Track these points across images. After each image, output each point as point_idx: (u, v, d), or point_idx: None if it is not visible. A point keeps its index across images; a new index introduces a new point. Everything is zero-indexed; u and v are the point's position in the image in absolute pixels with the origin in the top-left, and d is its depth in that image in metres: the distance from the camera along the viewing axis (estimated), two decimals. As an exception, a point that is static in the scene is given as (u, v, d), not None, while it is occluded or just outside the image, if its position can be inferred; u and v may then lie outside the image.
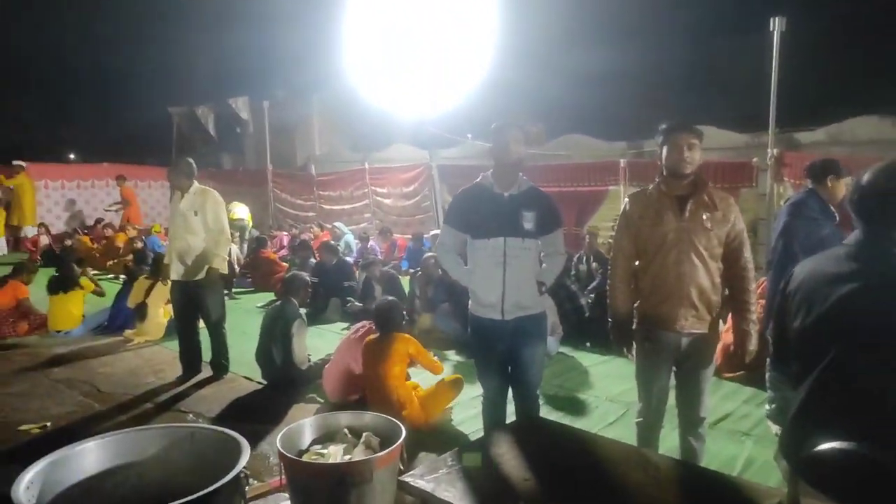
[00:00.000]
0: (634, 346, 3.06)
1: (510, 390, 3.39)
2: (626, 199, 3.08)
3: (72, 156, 23.30)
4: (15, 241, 13.64)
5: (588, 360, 5.60)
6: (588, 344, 5.95)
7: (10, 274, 6.97)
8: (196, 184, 5.15)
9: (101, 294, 7.20)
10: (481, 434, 3.56)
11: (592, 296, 6.48)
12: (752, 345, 2.89)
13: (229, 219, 5.79)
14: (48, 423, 4.18)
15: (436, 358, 4.60)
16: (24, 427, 4.12)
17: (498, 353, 3.27)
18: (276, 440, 2.73)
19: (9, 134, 19.80)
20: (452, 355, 5.75)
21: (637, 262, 3.00)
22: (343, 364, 4.52)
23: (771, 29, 6.66)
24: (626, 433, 3.69)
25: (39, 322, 6.72)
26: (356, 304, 7.20)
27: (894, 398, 1.53)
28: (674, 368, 3.01)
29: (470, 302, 3.33)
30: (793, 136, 7.89)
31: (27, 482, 2.18)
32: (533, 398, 3.38)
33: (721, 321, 3.02)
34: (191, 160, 5.16)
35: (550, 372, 5.12)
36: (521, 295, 3.16)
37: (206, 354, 5.29)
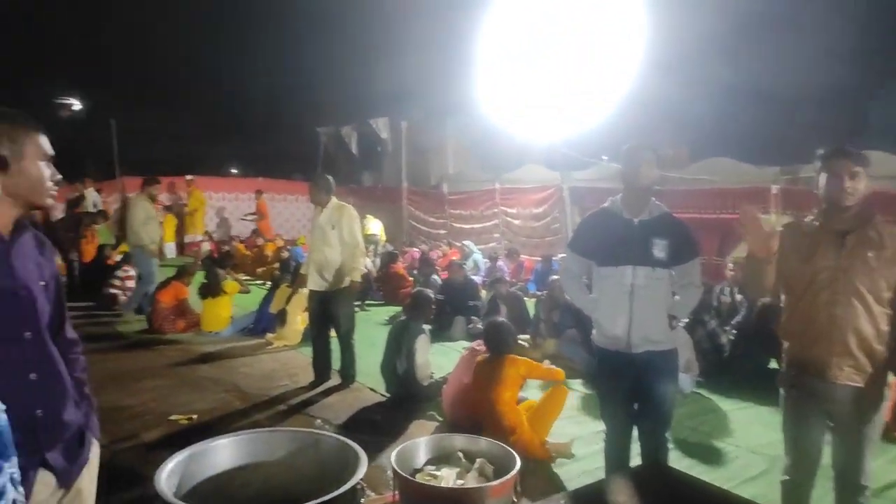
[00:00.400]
0: (781, 392, 2.74)
1: (635, 429, 3.19)
2: (779, 230, 2.79)
3: (234, 170, 25.81)
4: (181, 246, 15.25)
5: (728, 403, 5.13)
6: (728, 385, 5.46)
7: (173, 276, 7.76)
8: (334, 199, 5.42)
9: (246, 292, 7.82)
10: (601, 472, 3.37)
11: (735, 332, 5.96)
12: None
13: (363, 233, 6.05)
14: (194, 416, 4.56)
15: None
16: (173, 417, 4.53)
17: (623, 388, 3.08)
18: (392, 456, 2.75)
19: (181, 150, 22.33)
20: (578, 385, 5.52)
21: (784, 299, 2.70)
22: (460, 384, 4.50)
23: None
24: (769, 491, 3.32)
25: (194, 321, 7.42)
26: (479, 325, 7.20)
27: None
28: (829, 423, 2.66)
29: (594, 332, 3.18)
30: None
31: (169, 471, 2.35)
32: (660, 441, 3.13)
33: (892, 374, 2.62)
34: (329, 177, 5.45)
35: (683, 413, 4.74)
36: (649, 328, 2.97)
37: (336, 363, 5.52)
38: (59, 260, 10.47)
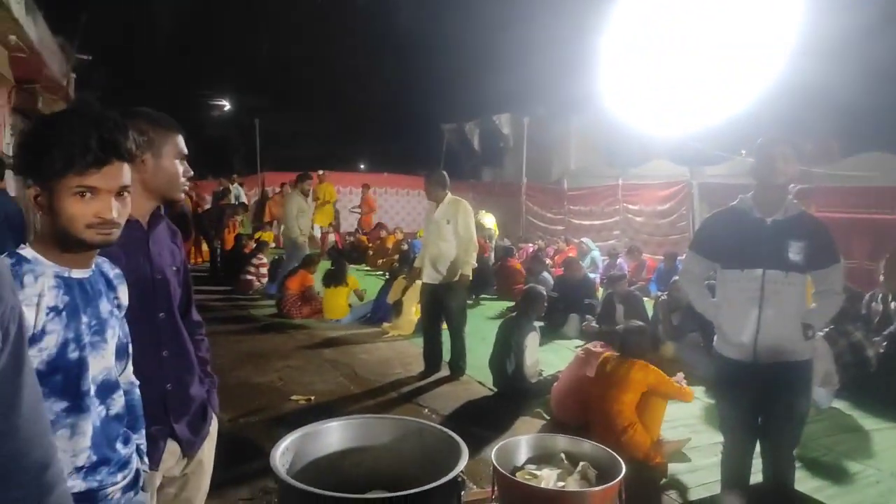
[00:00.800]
0: None
1: (758, 445, 2.95)
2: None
3: (362, 166, 27.02)
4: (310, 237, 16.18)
5: (871, 422, 4.62)
6: (873, 402, 4.91)
7: (300, 265, 8.28)
8: (449, 194, 5.51)
9: (360, 297, 8.12)
10: (716, 486, 3.16)
11: (885, 343, 5.34)
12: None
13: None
14: (312, 397, 4.85)
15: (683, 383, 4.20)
16: (294, 397, 4.84)
17: (746, 400, 2.87)
18: (493, 452, 2.75)
19: (317, 148, 23.70)
20: (699, 393, 5.21)
21: None
22: (571, 383, 4.41)
23: None
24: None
25: (318, 308, 7.87)
26: (593, 324, 7.01)
27: None
28: None
29: (716, 338, 2.99)
30: None
31: (283, 448, 2.51)
32: (786, 460, 2.88)
33: None
34: (444, 173, 5.57)
35: (816, 429, 4.35)
36: (780, 337, 2.74)
37: (447, 355, 5.63)
38: (204, 247, 11.63)
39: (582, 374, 4.35)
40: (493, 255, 11.24)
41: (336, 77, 27.93)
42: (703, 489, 3.52)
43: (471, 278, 5.50)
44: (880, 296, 6.39)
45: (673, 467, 3.82)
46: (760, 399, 2.83)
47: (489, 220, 11.97)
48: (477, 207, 17.19)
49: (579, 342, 6.73)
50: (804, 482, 3.54)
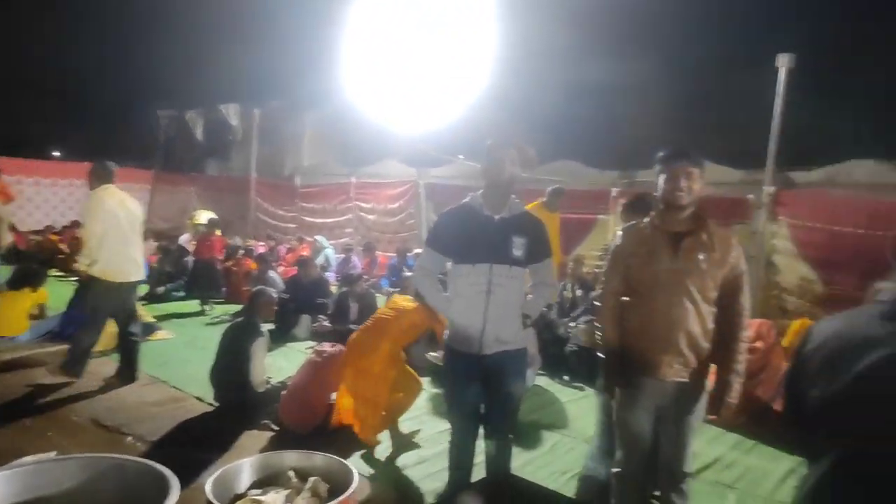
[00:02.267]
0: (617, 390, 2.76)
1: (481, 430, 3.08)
2: (619, 233, 2.80)
3: (56, 153, 22.83)
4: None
5: (565, 394, 5.31)
6: (566, 377, 5.66)
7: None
8: (111, 186, 5.00)
9: (40, 314, 6.69)
10: (444, 475, 3.24)
11: (573, 325, 6.20)
12: (733, 396, 2.60)
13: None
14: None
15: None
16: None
17: (472, 389, 2.97)
18: (208, 483, 2.37)
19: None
20: (427, 385, 5.39)
21: (625, 300, 2.72)
22: (303, 388, 4.18)
23: (777, 65, 6.49)
24: None
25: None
26: (325, 323, 6.86)
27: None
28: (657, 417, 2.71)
29: (447, 332, 3.03)
30: (788, 174, 7.71)
31: None
32: (504, 445, 3.06)
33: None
34: (108, 163, 5.07)
35: (525, 407, 4.75)
36: (502, 328, 2.88)
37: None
38: None
39: (315, 376, 4.17)
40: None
41: (31, 49, 23.16)
42: (433, 479, 3.60)
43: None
44: (569, 284, 7.44)
45: (405, 458, 3.90)
46: (484, 387, 2.95)
47: (204, 217, 11.01)
48: (199, 203, 15.88)
49: (312, 343, 6.51)
50: (520, 456, 3.87)
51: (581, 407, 4.98)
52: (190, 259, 9.67)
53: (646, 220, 2.70)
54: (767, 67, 6.55)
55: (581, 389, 5.38)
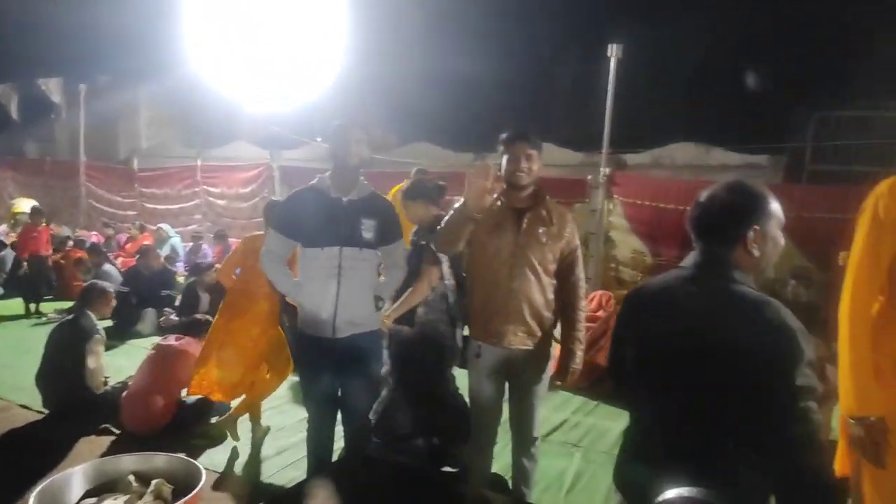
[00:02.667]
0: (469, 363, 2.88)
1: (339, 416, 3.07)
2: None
3: None
4: None
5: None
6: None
7: None
8: None
9: None
10: (303, 463, 3.20)
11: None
12: (576, 363, 2.83)
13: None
14: None
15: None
16: None
17: (327, 374, 2.93)
18: (31, 497, 2.14)
19: None
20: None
21: (471, 274, 2.83)
22: (146, 387, 3.89)
23: (608, 55, 7.00)
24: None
25: None
26: (172, 317, 6.44)
27: (732, 439, 1.42)
28: (507, 386, 2.88)
29: (299, 318, 2.96)
30: (620, 157, 8.41)
31: None
32: (363, 427, 3.07)
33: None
34: None
35: None
36: (355, 311, 2.86)
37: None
38: None
39: (159, 372, 3.91)
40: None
41: None
42: (292, 468, 3.54)
43: None
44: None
45: (264, 450, 3.81)
46: (340, 372, 2.93)
47: (28, 206, 9.81)
48: (20, 191, 14.08)
49: (158, 339, 6.07)
50: None
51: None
52: (9, 253, 8.58)
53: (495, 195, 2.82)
54: (602, 57, 7.06)
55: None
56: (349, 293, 2.83)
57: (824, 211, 6.33)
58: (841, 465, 2.07)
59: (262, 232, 3.95)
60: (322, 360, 2.90)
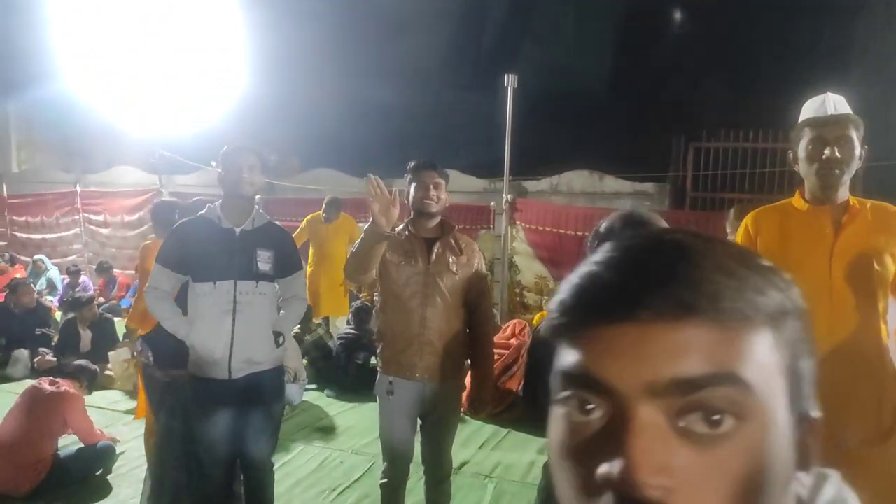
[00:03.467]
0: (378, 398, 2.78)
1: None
2: None
3: None
4: None
5: (335, 407, 5.23)
6: (337, 389, 5.58)
7: None
8: None
9: None
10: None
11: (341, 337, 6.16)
12: (488, 394, 2.83)
13: None
14: None
15: None
16: None
17: (224, 419, 2.73)
18: None
19: None
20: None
21: (382, 305, 2.75)
22: (12, 439, 3.47)
23: (505, 85, 7.21)
24: (371, 491, 3.44)
25: None
26: (49, 357, 5.85)
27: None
28: (419, 421, 2.80)
29: (189, 360, 2.74)
30: (521, 183, 8.65)
31: None
32: (265, 474, 2.89)
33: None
34: None
35: (294, 424, 4.71)
36: (253, 348, 2.70)
37: None
38: None
39: (23, 424, 3.50)
40: None
41: None
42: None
43: None
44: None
45: None
46: (238, 415, 2.74)
47: None
48: None
49: (32, 382, 5.47)
50: (290, 475, 3.76)
51: (349, 419, 4.95)
52: None
53: (400, 226, 2.78)
54: (500, 87, 7.26)
55: (349, 401, 5.34)
56: (246, 330, 2.66)
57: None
58: None
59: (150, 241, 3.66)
60: (218, 405, 2.70)
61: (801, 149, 2.01)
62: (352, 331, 5.84)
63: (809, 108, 2.02)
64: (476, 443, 4.49)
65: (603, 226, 1.68)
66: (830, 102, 1.97)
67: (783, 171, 8.01)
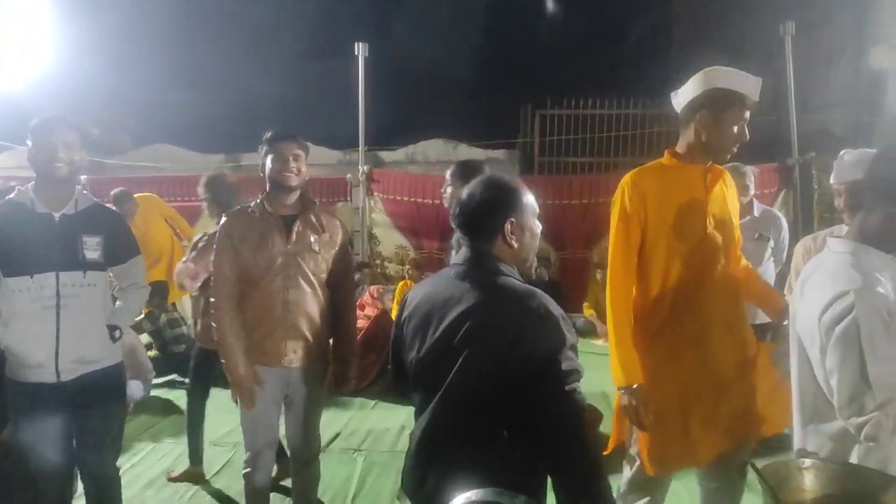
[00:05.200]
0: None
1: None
2: (224, 217, 2.63)
3: None
4: None
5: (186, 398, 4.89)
6: (186, 380, 5.22)
7: None
8: None
9: None
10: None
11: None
12: (352, 372, 2.77)
13: None
14: None
15: None
16: None
17: (56, 424, 2.42)
18: None
19: None
20: None
21: (239, 291, 2.56)
22: None
23: (356, 53, 7.01)
24: (234, 482, 3.28)
25: None
26: None
27: (507, 428, 1.45)
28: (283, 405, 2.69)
29: (7, 364, 2.40)
30: (377, 154, 8.57)
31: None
32: (108, 479, 2.61)
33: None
34: None
35: (140, 423, 4.37)
36: (84, 346, 2.41)
37: None
38: None
39: None
40: None
41: None
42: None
43: None
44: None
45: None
46: (73, 418, 2.45)
47: None
48: None
49: None
50: (140, 475, 3.52)
51: (208, 407, 4.66)
52: None
53: (252, 203, 2.60)
54: (350, 55, 7.06)
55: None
56: (74, 326, 2.37)
57: (554, 198, 7.17)
58: (616, 433, 2.31)
59: None
60: (45, 411, 2.39)
61: (719, 118, 2.09)
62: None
63: (741, 84, 2.09)
64: (343, 418, 4.44)
65: (464, 193, 1.65)
66: (758, 89, 2.11)
67: (624, 136, 8.68)
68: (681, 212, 2.15)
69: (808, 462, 1.39)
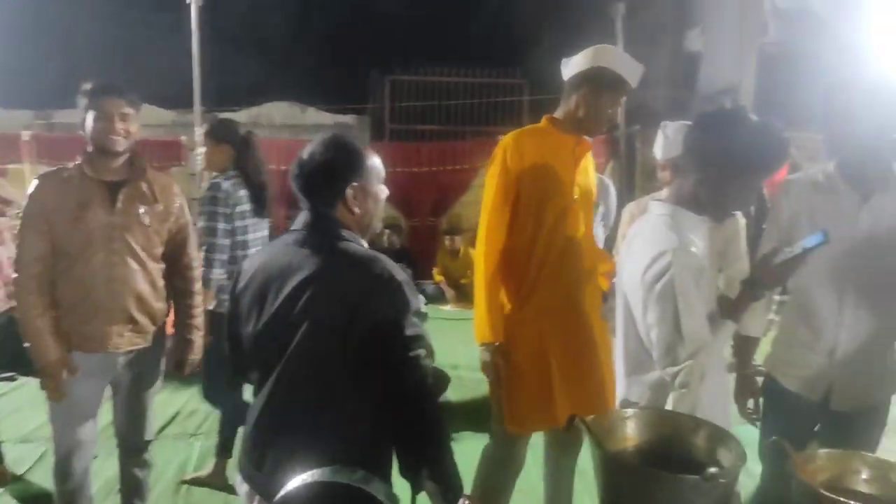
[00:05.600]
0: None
1: None
2: (35, 182, 2.25)
3: None
4: None
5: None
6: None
7: None
8: None
9: None
10: None
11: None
12: (195, 353, 2.56)
13: None
14: None
15: None
16: None
17: None
18: None
19: None
20: None
21: (56, 269, 2.22)
22: None
23: (188, 2, 6.37)
24: (45, 479, 2.91)
25: None
26: None
27: (352, 395, 1.41)
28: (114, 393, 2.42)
29: None
30: (216, 116, 7.96)
31: None
32: None
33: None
34: None
35: None
36: None
37: None
38: None
39: None
40: None
41: None
42: None
43: None
44: None
45: None
46: None
47: None
48: None
49: None
50: None
51: (11, 403, 4.16)
52: None
53: (70, 165, 2.26)
54: (184, 5, 6.41)
55: (12, 380, 4.43)
56: None
57: (404, 165, 7.17)
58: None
59: None
60: None
61: (600, 97, 2.13)
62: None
63: (626, 69, 2.12)
64: (178, 401, 4.12)
65: (304, 153, 1.55)
66: (638, 77, 2.16)
67: (475, 104, 8.82)
68: (553, 177, 2.20)
69: (629, 412, 1.50)
